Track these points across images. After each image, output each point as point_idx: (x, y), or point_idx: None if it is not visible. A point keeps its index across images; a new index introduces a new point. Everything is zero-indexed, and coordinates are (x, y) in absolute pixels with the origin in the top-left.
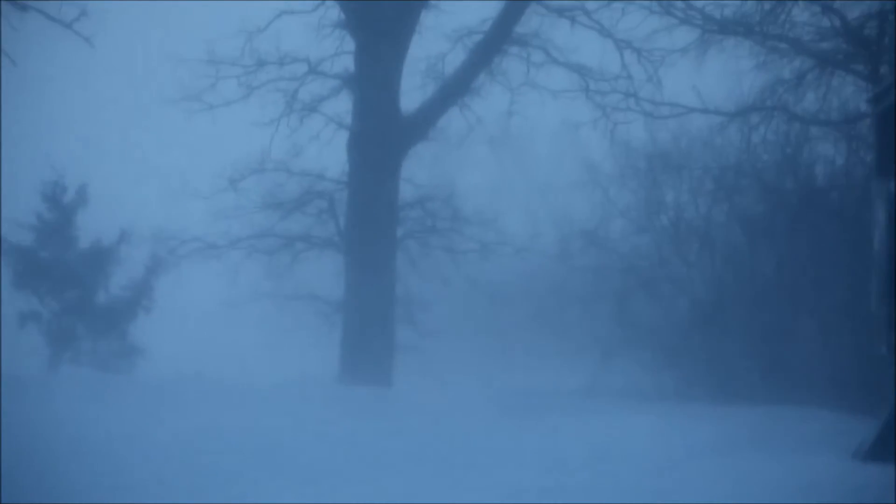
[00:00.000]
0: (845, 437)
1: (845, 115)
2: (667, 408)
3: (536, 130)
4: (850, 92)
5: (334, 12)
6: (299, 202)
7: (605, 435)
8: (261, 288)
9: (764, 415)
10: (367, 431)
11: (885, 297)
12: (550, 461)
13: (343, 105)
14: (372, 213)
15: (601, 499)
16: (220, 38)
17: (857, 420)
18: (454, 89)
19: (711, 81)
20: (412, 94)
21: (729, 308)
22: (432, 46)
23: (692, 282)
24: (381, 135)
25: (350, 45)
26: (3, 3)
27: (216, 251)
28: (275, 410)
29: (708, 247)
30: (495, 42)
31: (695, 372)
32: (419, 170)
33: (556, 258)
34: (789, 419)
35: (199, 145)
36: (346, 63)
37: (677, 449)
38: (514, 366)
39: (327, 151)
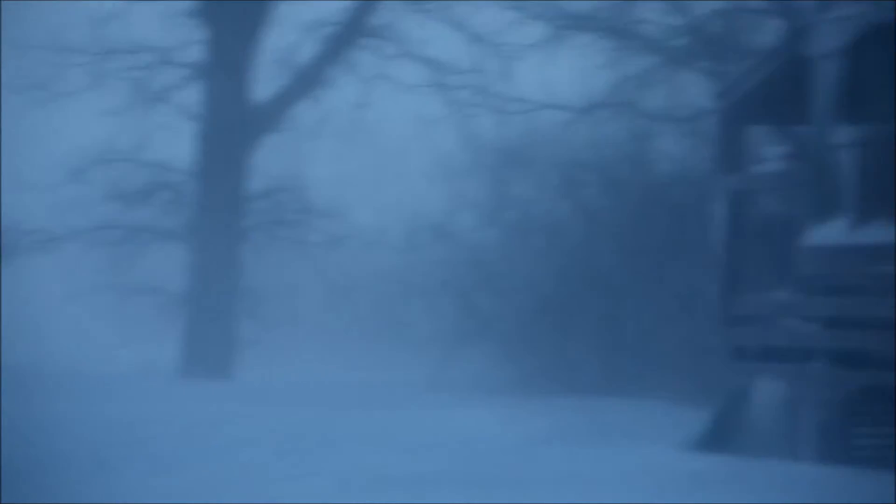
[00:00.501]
0: (680, 427)
1: (689, 111)
2: (508, 400)
3: (388, 123)
4: (694, 89)
5: (186, 1)
6: (145, 193)
7: (444, 426)
8: (103, 280)
9: (602, 406)
10: (208, 421)
11: (720, 291)
12: (389, 450)
13: (193, 95)
14: (219, 204)
15: (435, 485)
16: (67, 26)
17: (691, 411)
18: (306, 81)
19: (561, 77)
20: (264, 84)
21: (571, 301)
22: (285, 37)
23: (537, 275)
24: (232, 125)
25: (201, 34)
26: None
27: (57, 243)
28: (116, 401)
29: (553, 241)
30: (348, 34)
31: (537, 365)
32: (269, 161)
33: (404, 251)
34: (627, 410)
35: (45, 136)
36: (198, 52)
37: (515, 438)
38: (358, 358)
39: (176, 142)
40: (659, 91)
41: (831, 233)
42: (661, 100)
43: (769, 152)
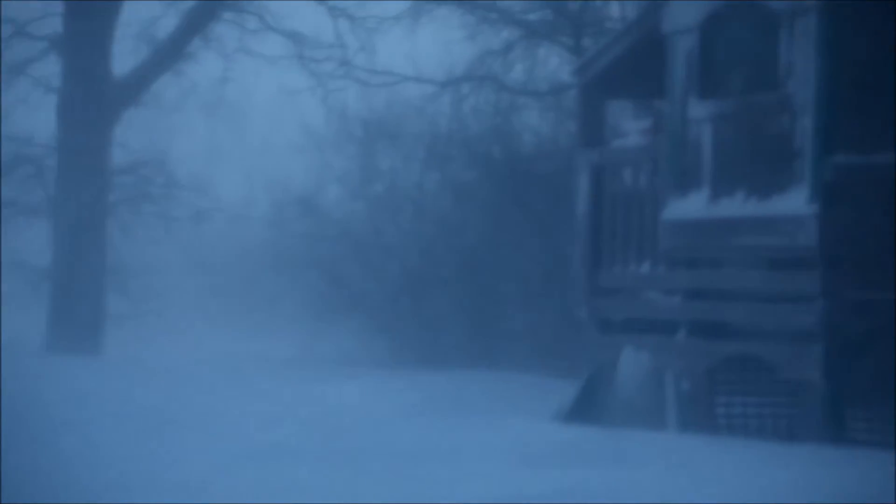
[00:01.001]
0: (548, 399)
1: (551, 85)
2: (377, 373)
3: (252, 97)
4: (555, 63)
5: None
6: (5, 168)
7: (313, 399)
8: None
9: (471, 379)
10: (75, 397)
11: (585, 264)
12: (260, 424)
13: (52, 68)
14: (82, 178)
15: (306, 457)
16: None
17: (559, 384)
18: (167, 54)
19: (424, 50)
20: (124, 58)
21: (438, 275)
22: (145, 10)
23: (404, 248)
24: (92, 99)
25: (59, 6)
26: None
27: None
28: None
29: (419, 214)
30: (209, 7)
31: (405, 338)
32: (132, 135)
33: (271, 225)
34: (495, 383)
35: None
36: (56, 25)
37: (384, 411)
38: (227, 333)
39: (36, 115)
40: (521, 65)
41: (690, 206)
42: (523, 73)
43: (629, 127)
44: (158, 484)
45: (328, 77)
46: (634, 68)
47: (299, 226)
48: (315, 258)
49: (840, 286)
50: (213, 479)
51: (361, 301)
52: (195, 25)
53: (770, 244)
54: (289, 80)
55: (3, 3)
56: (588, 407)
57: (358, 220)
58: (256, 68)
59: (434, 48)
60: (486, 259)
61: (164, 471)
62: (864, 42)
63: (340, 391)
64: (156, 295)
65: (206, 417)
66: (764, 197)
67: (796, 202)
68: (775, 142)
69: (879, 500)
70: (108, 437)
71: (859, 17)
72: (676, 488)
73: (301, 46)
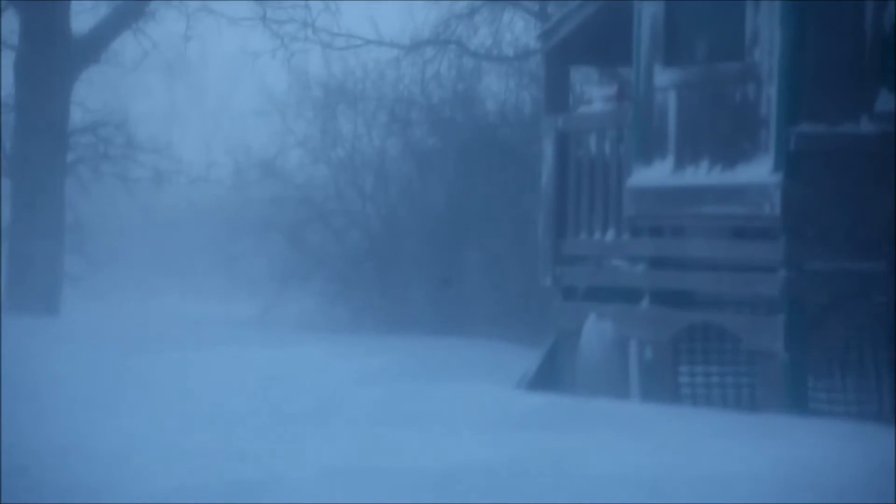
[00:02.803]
0: (511, 366)
1: (516, 51)
2: (340, 338)
3: (213, 57)
4: (520, 28)
5: None
6: None
7: (277, 364)
8: None
9: (434, 345)
10: (34, 358)
11: (549, 231)
12: (221, 388)
13: (9, 25)
14: (40, 137)
15: (272, 421)
16: None
17: (523, 351)
18: (127, 12)
19: (388, 13)
20: (83, 15)
21: (401, 240)
22: None
23: (366, 214)
24: (50, 57)
25: None
26: None
27: None
28: None
29: (382, 179)
30: None
31: (368, 303)
32: (91, 94)
33: (232, 188)
34: (458, 349)
35: None
36: None
37: (348, 376)
38: (187, 296)
39: None
40: (485, 29)
41: (655, 174)
42: (488, 38)
43: (595, 93)
44: (104, 448)
45: (291, 39)
46: (600, 35)
47: (261, 189)
48: (276, 222)
49: (803, 256)
50: (162, 441)
51: (323, 266)
52: None
53: (734, 213)
54: (251, 42)
55: None
56: (551, 374)
57: (320, 185)
58: (218, 28)
59: (398, 11)
60: (450, 225)
61: (110, 434)
62: (829, 10)
63: (299, 355)
64: (115, 256)
65: (160, 380)
66: (728, 166)
67: (761, 171)
68: (740, 110)
69: (839, 469)
70: (59, 401)
71: None
72: (635, 455)
73: (264, 7)
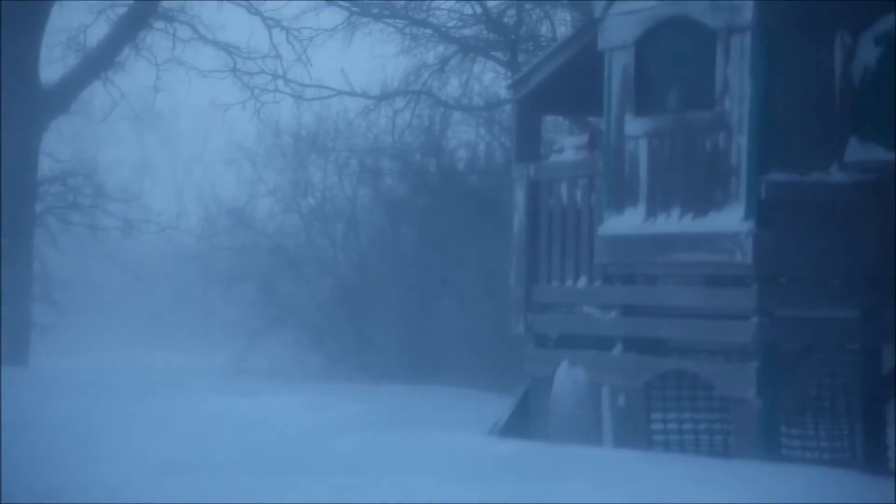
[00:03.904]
0: (484, 414)
1: (486, 100)
2: (313, 386)
3: (183, 108)
4: (490, 78)
5: None
6: None
7: (251, 412)
8: None
9: (406, 392)
10: (5, 411)
11: (521, 278)
12: (185, 436)
13: None
14: (9, 187)
15: (249, 471)
16: None
17: (495, 397)
18: (97, 62)
19: (359, 64)
20: (53, 66)
21: (373, 288)
22: (74, 17)
23: (337, 262)
24: (20, 107)
25: None
26: None
27: None
28: None
29: (353, 227)
30: (140, 15)
31: (340, 352)
32: (60, 144)
33: (202, 237)
34: (432, 396)
35: None
36: None
37: (317, 424)
38: (159, 345)
39: None
40: (456, 80)
41: (627, 222)
42: (458, 88)
43: (566, 142)
44: (82, 496)
45: (261, 90)
46: (571, 84)
47: (231, 238)
48: (247, 271)
49: (776, 304)
50: (131, 491)
51: (295, 314)
52: (126, 34)
53: (706, 261)
54: (221, 92)
55: None
56: (524, 421)
57: (291, 233)
58: (188, 79)
59: (369, 62)
60: (421, 273)
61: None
62: (799, 59)
63: (271, 404)
64: (84, 307)
65: (130, 429)
66: (700, 214)
67: (732, 220)
68: (711, 159)
69: None
70: (27, 448)
71: (794, 35)
72: (614, 502)
73: (234, 58)
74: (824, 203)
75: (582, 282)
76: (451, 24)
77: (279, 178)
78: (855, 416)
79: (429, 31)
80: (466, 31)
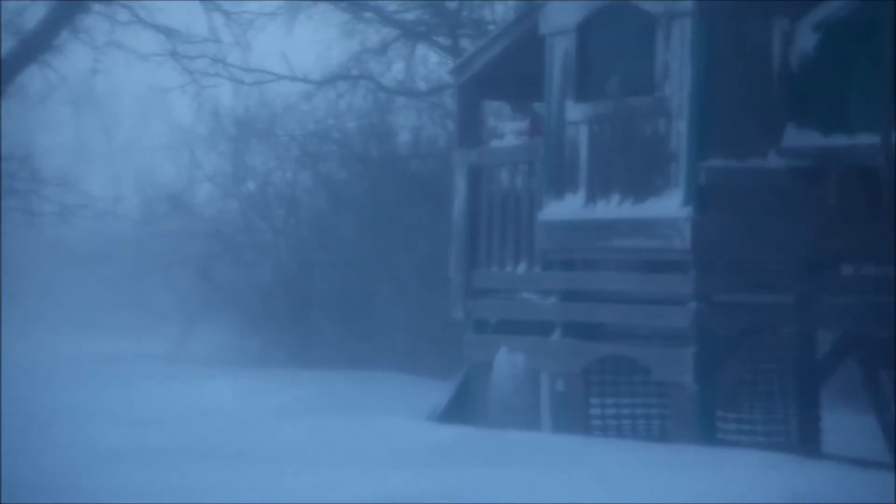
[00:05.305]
0: (423, 399)
1: (430, 85)
2: (252, 372)
3: (122, 91)
4: (433, 63)
5: None
6: None
7: (188, 398)
8: None
9: (345, 378)
10: None
11: (461, 264)
12: (132, 422)
13: None
14: None
15: (190, 458)
16: None
17: (434, 383)
18: (34, 45)
19: (300, 48)
20: None
21: (312, 273)
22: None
23: (277, 247)
24: None
25: None
26: None
27: None
28: None
29: (293, 213)
30: None
31: (279, 337)
32: None
33: (140, 222)
34: (371, 382)
35: None
36: None
37: (256, 411)
38: (95, 332)
39: None
40: (398, 64)
41: (566, 208)
42: (400, 73)
43: (507, 127)
44: (22, 484)
45: (201, 74)
46: (512, 69)
47: (170, 223)
48: (186, 256)
49: (713, 289)
50: (71, 479)
51: (234, 300)
52: (63, 16)
53: (645, 246)
54: (160, 76)
55: None
56: (463, 407)
57: (230, 219)
58: (127, 63)
59: (310, 46)
60: (361, 258)
61: (27, 471)
62: (739, 45)
63: (210, 390)
64: (20, 292)
65: (68, 417)
66: (639, 200)
67: (671, 205)
68: (651, 145)
69: (746, 499)
70: None
71: (734, 20)
72: (546, 488)
73: (174, 42)
74: (762, 189)
75: (521, 267)
76: (392, 7)
77: (219, 162)
78: (790, 400)
79: (369, 14)
80: (408, 15)
